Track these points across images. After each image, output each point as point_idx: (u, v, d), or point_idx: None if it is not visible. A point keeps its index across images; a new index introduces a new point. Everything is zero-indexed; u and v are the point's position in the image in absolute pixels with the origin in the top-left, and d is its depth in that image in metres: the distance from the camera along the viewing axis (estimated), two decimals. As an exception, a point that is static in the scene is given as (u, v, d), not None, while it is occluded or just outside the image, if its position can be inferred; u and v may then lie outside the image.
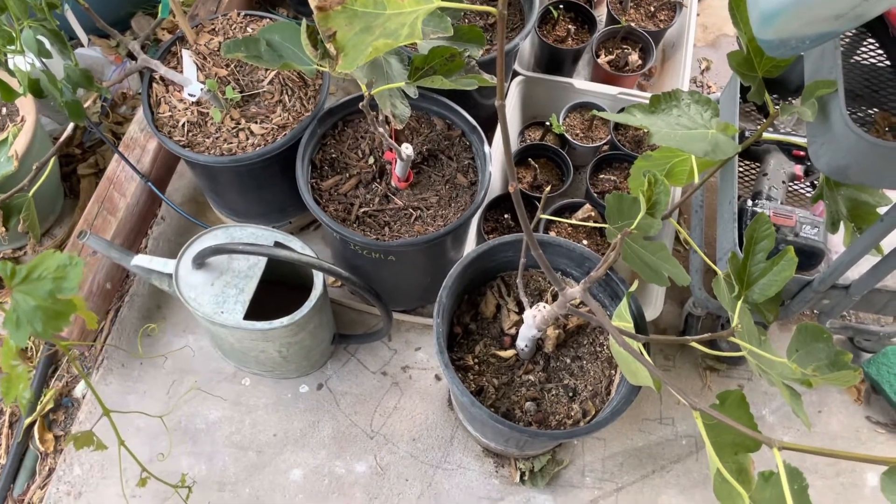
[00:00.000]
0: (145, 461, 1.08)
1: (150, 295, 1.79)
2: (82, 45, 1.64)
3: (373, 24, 0.66)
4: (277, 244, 1.43)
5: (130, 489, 1.55)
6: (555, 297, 1.38)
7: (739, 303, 0.93)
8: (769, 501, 0.74)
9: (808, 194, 1.67)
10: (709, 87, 2.24)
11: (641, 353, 1.02)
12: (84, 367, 1.71)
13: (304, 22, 1.13)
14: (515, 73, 1.95)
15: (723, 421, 0.73)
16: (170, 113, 1.54)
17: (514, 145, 1.97)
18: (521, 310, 1.38)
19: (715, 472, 0.76)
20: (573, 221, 1.31)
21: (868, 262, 1.21)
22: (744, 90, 1.56)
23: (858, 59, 1.16)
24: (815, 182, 1.60)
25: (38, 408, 1.64)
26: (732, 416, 0.80)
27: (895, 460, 0.58)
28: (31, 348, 1.73)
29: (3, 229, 1.43)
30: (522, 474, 1.56)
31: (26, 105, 1.69)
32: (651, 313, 1.62)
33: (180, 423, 1.62)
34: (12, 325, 0.74)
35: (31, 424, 1.63)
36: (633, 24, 2.04)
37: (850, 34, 1.16)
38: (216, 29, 1.64)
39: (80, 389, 1.69)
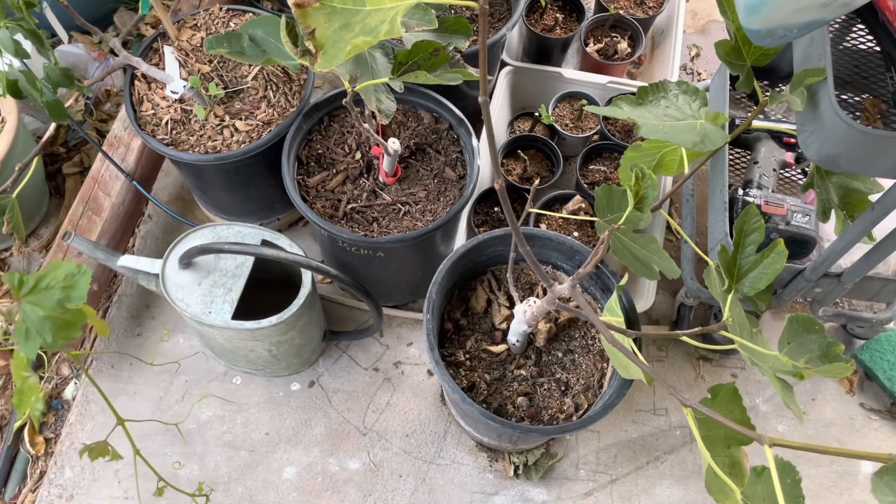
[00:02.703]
0: (137, 461, 1.06)
1: (138, 295, 1.78)
2: (63, 43, 1.62)
3: (352, 21, 0.64)
4: (265, 242, 1.41)
5: (123, 491, 1.54)
6: (546, 291, 1.37)
7: (730, 296, 0.92)
8: (761, 497, 0.73)
9: (799, 181, 1.66)
10: (699, 73, 2.23)
11: (632, 349, 1.01)
12: (74, 369, 1.69)
13: (283, 18, 1.11)
14: (504, 64, 1.93)
15: (714, 418, 0.72)
16: (153, 111, 1.52)
17: (503, 137, 1.96)
18: (511, 304, 1.37)
19: (707, 467, 0.75)
20: (563, 214, 1.29)
21: (860, 249, 1.20)
22: (733, 78, 1.55)
23: (848, 45, 1.15)
24: (807, 169, 1.59)
25: (42, 413, 1.62)
26: (724, 410, 0.79)
27: (887, 457, 0.57)
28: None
29: (-13, 232, 1.41)
30: (516, 468, 1.56)
31: (7, 105, 1.66)
32: (643, 304, 1.62)
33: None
34: (22, 337, 0.73)
35: (22, 427, 1.62)
36: (621, 12, 2.02)
37: (840, 20, 1.15)
38: (198, 24, 1.61)
39: (69, 391, 1.68)
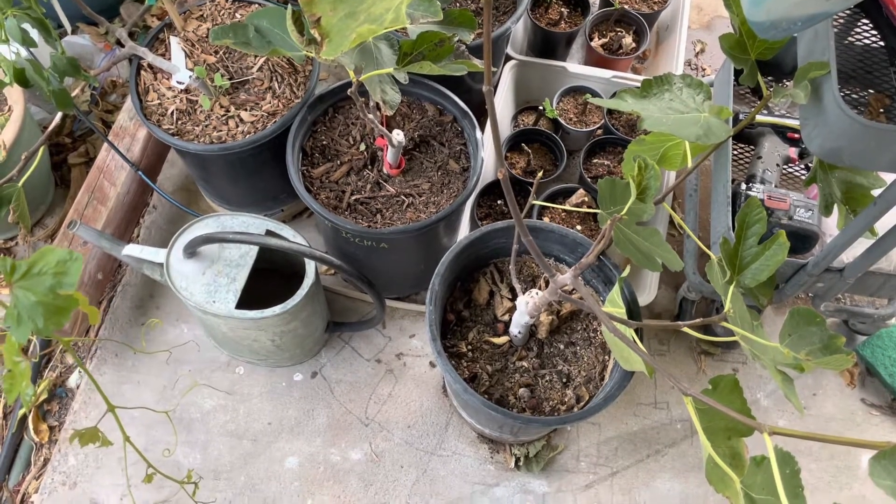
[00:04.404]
0: (141, 450, 1.07)
1: (142, 284, 1.78)
2: (69, 33, 1.62)
3: (357, 10, 0.65)
4: (269, 233, 1.42)
5: (126, 478, 1.55)
6: (548, 283, 1.38)
7: (731, 288, 0.92)
8: (760, 486, 0.74)
9: (802, 177, 1.66)
10: (703, 69, 2.23)
11: (634, 339, 1.02)
12: (78, 357, 1.70)
13: (289, 7, 1.11)
14: (508, 57, 1.93)
15: (714, 407, 0.73)
16: (158, 101, 1.53)
17: (507, 130, 1.96)
18: (514, 296, 1.37)
19: (707, 458, 0.76)
20: (566, 207, 1.30)
21: (862, 244, 1.20)
22: (738, 73, 1.55)
23: (852, 40, 1.15)
24: (810, 164, 1.59)
25: (32, 398, 1.63)
26: (725, 401, 0.79)
27: (884, 444, 0.57)
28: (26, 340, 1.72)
29: (-7, 220, 1.42)
30: (517, 460, 1.56)
31: (14, 94, 1.67)
32: (645, 298, 1.62)
33: (175, 413, 1.62)
34: (13, 322, 0.73)
35: (26, 415, 1.63)
36: (626, 7, 2.02)
37: (844, 15, 1.15)
38: (204, 15, 1.62)
39: (73, 380, 1.69)
